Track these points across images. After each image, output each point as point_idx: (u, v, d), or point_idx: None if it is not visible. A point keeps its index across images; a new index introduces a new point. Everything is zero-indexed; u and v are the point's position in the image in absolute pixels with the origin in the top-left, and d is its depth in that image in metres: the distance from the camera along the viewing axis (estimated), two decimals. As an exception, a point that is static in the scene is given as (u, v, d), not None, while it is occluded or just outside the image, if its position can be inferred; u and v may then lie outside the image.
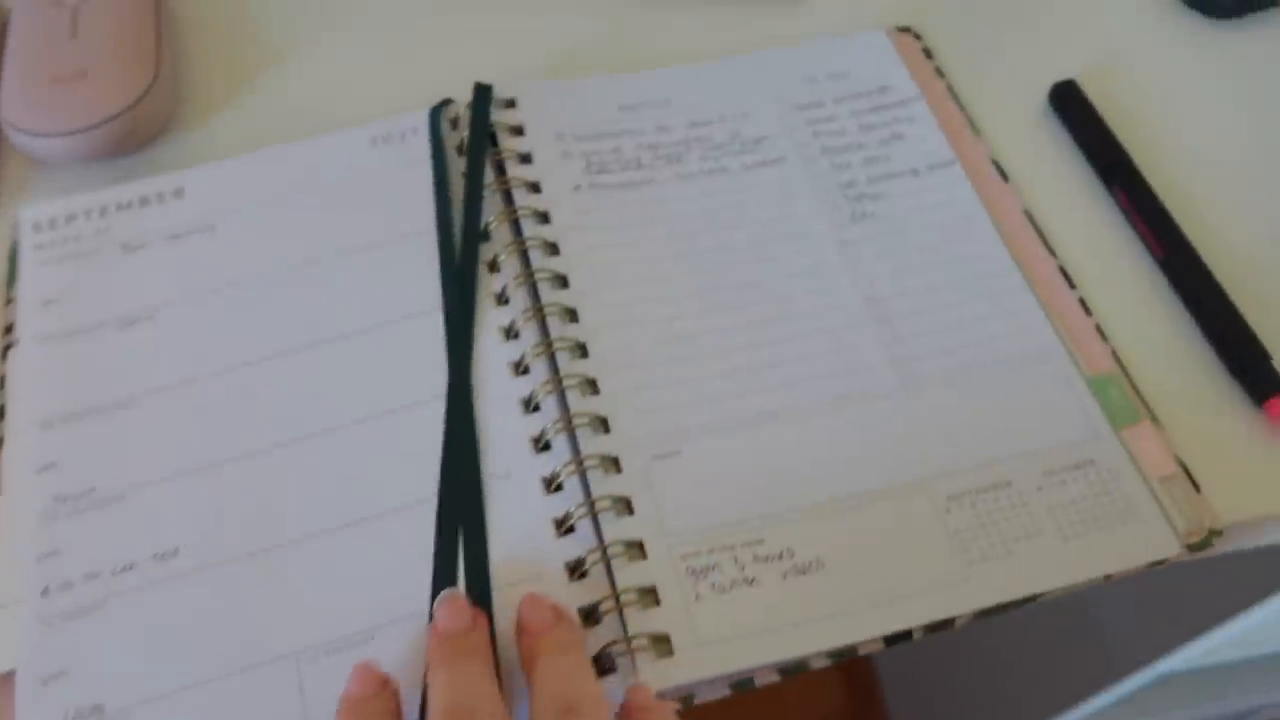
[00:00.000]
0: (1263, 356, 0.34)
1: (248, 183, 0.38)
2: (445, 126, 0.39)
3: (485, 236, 0.37)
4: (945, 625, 0.30)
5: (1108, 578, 0.31)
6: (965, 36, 0.44)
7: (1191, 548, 0.31)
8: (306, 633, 0.29)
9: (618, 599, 0.29)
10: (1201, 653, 0.58)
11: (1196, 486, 0.32)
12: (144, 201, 0.38)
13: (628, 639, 0.28)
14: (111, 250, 0.37)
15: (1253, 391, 0.34)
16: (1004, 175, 0.39)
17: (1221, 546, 0.32)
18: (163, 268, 0.36)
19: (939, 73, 0.42)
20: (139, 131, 0.39)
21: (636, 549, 0.30)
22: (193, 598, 0.30)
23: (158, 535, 0.31)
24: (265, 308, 0.35)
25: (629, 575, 0.30)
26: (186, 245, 0.37)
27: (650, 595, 0.29)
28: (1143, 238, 0.38)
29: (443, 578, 0.30)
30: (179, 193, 0.38)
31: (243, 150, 0.39)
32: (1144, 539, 0.31)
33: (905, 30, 0.43)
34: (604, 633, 0.29)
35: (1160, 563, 0.31)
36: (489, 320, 0.35)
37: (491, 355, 0.34)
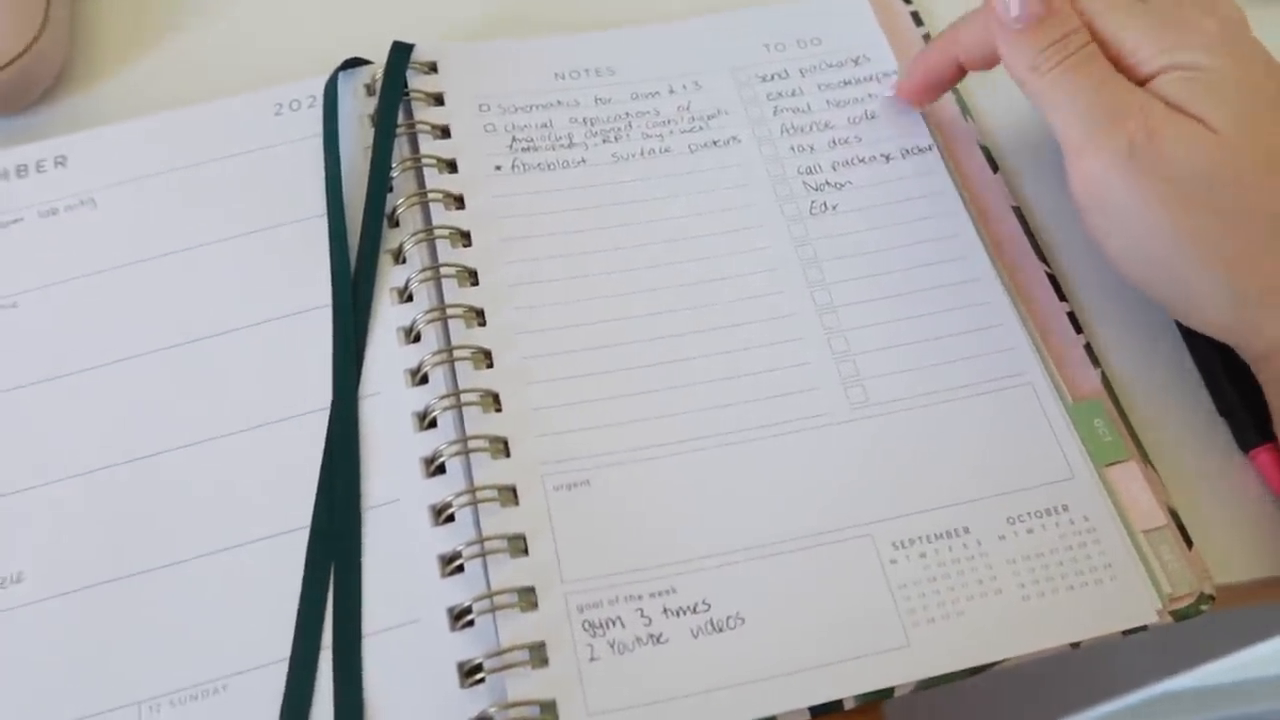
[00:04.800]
0: (1255, 398, 0.29)
1: (139, 152, 0.34)
2: (360, 92, 0.35)
3: (393, 222, 0.32)
4: (882, 695, 0.26)
5: (1075, 645, 0.27)
6: (963, -1, 0.38)
7: (1177, 615, 0.27)
8: (152, 679, 0.26)
9: (501, 657, 0.26)
10: (1210, 674, 0.55)
11: (1189, 541, 0.28)
12: (21, 171, 0.34)
13: (508, 706, 0.25)
14: (-24, 226, 0.33)
15: (1239, 437, 0.29)
16: (994, 165, 0.34)
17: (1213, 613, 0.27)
18: (33, 248, 0.32)
19: (929, 41, 0.37)
20: (20, 90, 0.35)
21: (530, 596, 0.27)
22: (31, 630, 0.27)
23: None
24: (139, 298, 0.31)
25: (516, 629, 0.26)
26: (63, 222, 0.33)
27: (539, 653, 0.26)
28: (1145, 245, 0.33)
29: (308, 620, 0.26)
30: (61, 161, 0.34)
31: (142, 112, 0.35)
32: (1120, 603, 0.27)
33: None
34: (484, 696, 0.25)
35: (1140, 629, 0.27)
36: (388, 319, 0.31)
37: (388, 360, 0.30)
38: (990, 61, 0.31)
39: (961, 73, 0.33)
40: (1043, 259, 0.32)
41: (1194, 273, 0.27)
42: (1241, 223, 0.26)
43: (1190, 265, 0.27)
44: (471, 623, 0.26)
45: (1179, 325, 0.31)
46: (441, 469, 0.28)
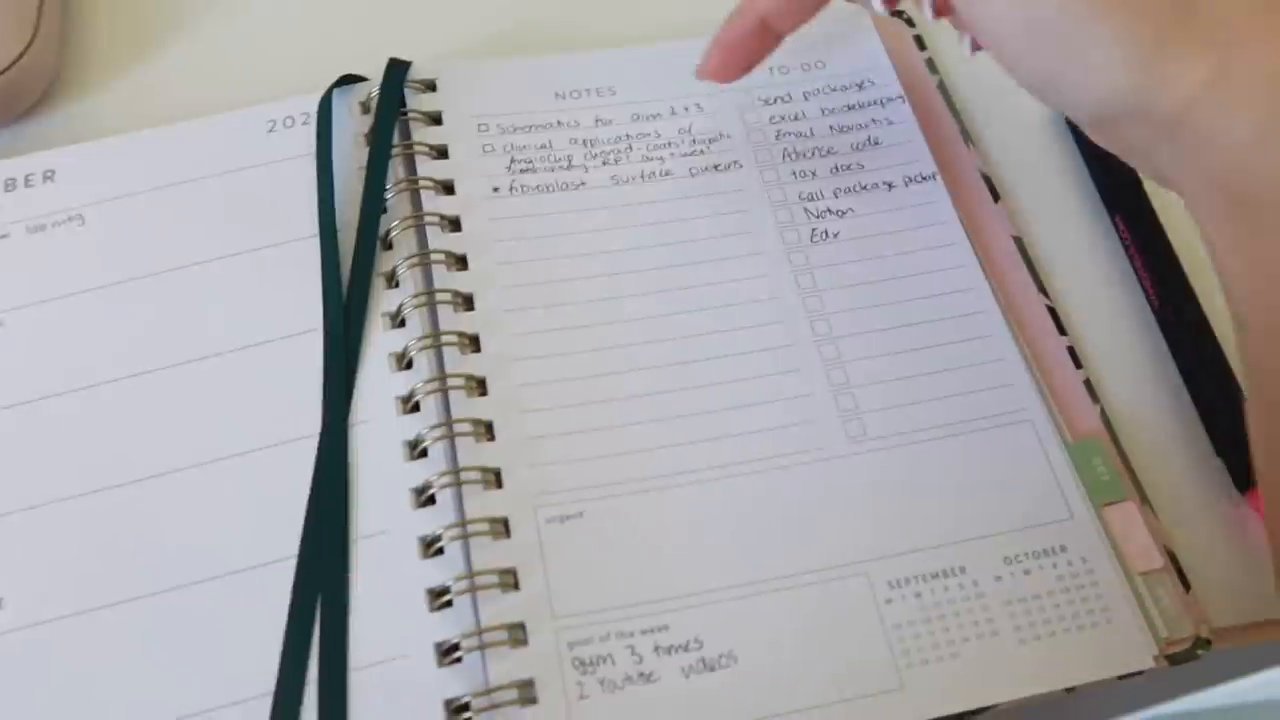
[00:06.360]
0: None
1: (128, 168, 0.33)
2: (355, 110, 0.34)
3: (387, 245, 0.32)
4: (874, 738, 0.26)
5: (1070, 690, 0.26)
6: (966, 23, 0.38)
7: (1173, 659, 0.27)
8: (133, 712, 0.25)
9: (489, 696, 0.25)
10: (1201, 700, 0.55)
11: (1186, 584, 0.28)
12: (9, 185, 0.33)
13: (494, 748, 0.24)
14: (-38, 242, 0.32)
15: (1236, 476, 0.29)
16: (995, 194, 0.34)
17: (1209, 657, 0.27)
18: (21, 265, 0.32)
19: (931, 66, 0.36)
20: (8, 102, 0.34)
21: (519, 632, 0.26)
22: (8, 659, 0.26)
23: (-19, 583, 0.27)
24: (127, 319, 0.31)
25: (505, 666, 0.26)
26: (51, 239, 0.32)
27: (528, 691, 0.25)
28: (1140, 279, 0.32)
29: (294, 653, 0.26)
30: (49, 175, 0.34)
31: (132, 127, 0.35)
32: (1116, 647, 0.26)
33: (897, 13, 0.37)
34: (471, 736, 0.25)
35: (1135, 674, 0.27)
36: (380, 345, 0.30)
37: (379, 387, 0.30)
38: (801, 13, 0.29)
39: (772, 38, 0.30)
40: (1043, 291, 0.32)
41: (1088, 28, 0.23)
42: None
43: (1083, 20, 0.23)
44: (459, 659, 0.26)
45: (1177, 357, 0.31)
46: (432, 500, 0.28)
